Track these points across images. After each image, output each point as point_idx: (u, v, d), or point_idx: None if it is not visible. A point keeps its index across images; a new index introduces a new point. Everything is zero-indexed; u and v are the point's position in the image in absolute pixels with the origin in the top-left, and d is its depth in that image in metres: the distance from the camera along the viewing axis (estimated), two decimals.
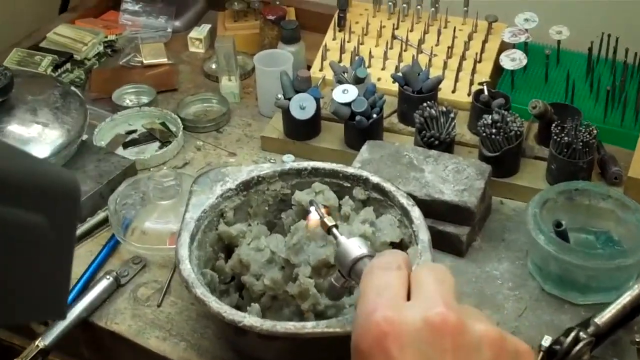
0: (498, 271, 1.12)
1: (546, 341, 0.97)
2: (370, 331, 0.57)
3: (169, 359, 1.04)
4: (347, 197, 1.08)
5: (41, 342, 1.03)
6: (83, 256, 1.18)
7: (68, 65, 1.59)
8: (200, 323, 1.07)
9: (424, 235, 0.99)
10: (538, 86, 1.41)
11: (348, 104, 1.27)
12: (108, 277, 1.11)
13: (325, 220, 0.86)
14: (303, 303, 0.97)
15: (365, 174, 1.08)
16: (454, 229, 1.14)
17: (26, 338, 1.15)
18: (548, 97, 1.37)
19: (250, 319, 0.90)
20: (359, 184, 1.09)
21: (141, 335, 1.07)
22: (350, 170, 1.09)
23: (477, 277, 1.12)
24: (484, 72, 1.40)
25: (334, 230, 0.84)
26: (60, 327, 1.05)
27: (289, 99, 1.30)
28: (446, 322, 0.55)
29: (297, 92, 1.31)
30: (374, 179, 1.07)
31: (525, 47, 1.41)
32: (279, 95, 1.31)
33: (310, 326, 0.88)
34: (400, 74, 1.33)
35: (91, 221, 1.23)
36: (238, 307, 1.04)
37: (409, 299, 0.60)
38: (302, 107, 1.29)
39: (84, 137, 1.35)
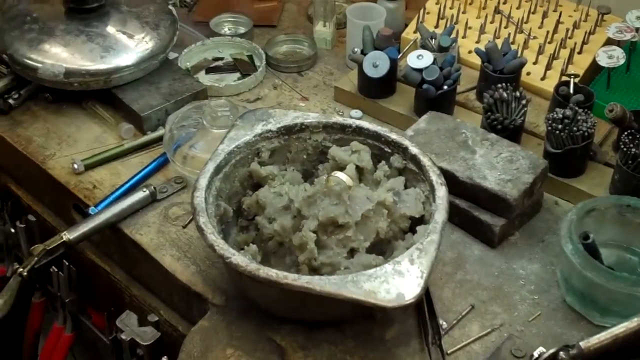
0: (525, 271, 1.07)
1: (537, 352, 0.92)
2: None
3: (177, 279, 1.07)
4: (383, 162, 1.06)
5: (65, 236, 1.09)
6: (133, 165, 1.24)
7: None
8: None
9: (439, 217, 0.95)
10: (638, 91, 1.29)
11: (420, 70, 1.23)
12: (145, 190, 1.15)
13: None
14: (300, 255, 0.96)
15: (406, 142, 1.05)
16: (489, 218, 1.08)
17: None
18: None
19: (238, 258, 0.90)
20: (398, 152, 1.06)
21: (159, 251, 1.10)
22: (392, 136, 1.06)
23: (500, 271, 1.07)
24: (581, 64, 1.31)
25: None
26: (87, 226, 1.11)
27: (365, 54, 1.28)
28: None
29: (376, 49, 1.28)
30: (413, 149, 1.04)
31: (631, 46, 1.30)
32: (356, 49, 1.29)
33: (290, 278, 0.88)
34: (484, 49, 1.26)
35: (151, 135, 1.27)
36: None
37: None
38: (375, 65, 1.26)
39: (172, 55, 1.39)
